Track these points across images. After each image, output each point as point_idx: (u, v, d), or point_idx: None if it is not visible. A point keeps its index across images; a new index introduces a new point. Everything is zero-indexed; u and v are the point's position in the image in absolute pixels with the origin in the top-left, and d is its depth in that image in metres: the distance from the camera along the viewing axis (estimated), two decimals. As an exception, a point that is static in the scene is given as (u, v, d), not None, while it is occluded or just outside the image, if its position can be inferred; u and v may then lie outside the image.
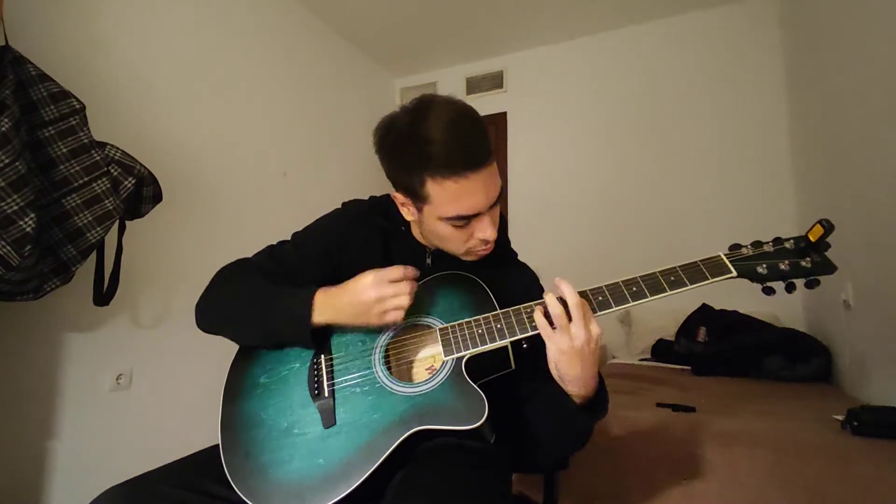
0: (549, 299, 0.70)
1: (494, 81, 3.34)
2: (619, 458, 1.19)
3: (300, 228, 0.93)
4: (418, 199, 0.77)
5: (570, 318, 0.69)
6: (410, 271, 0.76)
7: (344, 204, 0.95)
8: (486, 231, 0.78)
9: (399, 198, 0.82)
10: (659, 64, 2.94)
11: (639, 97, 2.97)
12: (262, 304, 0.78)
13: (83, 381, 1.68)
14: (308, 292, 0.77)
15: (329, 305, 0.75)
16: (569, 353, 0.68)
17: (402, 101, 3.96)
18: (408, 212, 0.83)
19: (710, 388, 1.78)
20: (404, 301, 0.74)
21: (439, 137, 0.72)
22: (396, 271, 0.75)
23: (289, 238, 0.92)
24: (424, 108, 0.75)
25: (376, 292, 0.73)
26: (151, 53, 1.96)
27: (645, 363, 2.44)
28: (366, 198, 0.96)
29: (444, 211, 0.76)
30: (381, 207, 0.92)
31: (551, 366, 0.72)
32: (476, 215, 0.77)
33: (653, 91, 2.94)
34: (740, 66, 2.73)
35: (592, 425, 0.75)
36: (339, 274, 0.87)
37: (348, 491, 0.65)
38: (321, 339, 0.79)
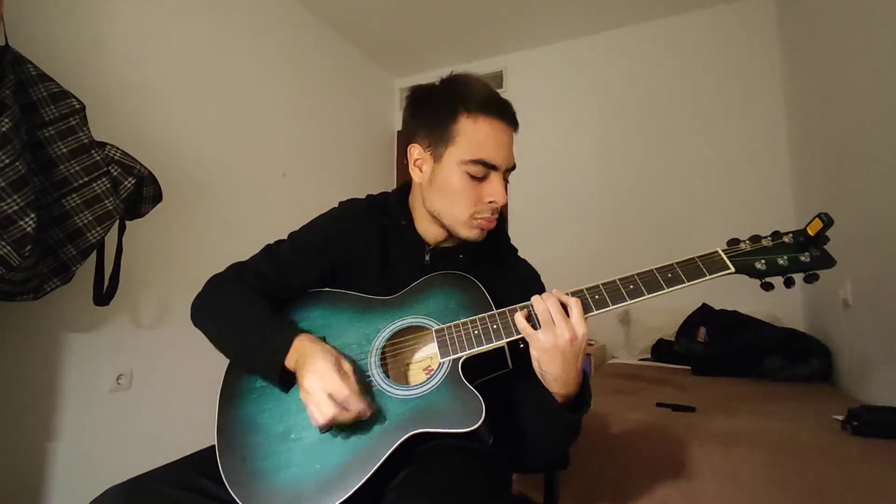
0: (535, 298, 0.72)
1: (494, 81, 3.34)
2: (619, 458, 1.19)
3: (296, 229, 0.93)
4: (442, 141, 0.79)
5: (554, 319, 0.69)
6: (358, 404, 0.67)
7: (341, 203, 0.94)
8: (496, 193, 0.79)
9: (415, 152, 0.83)
10: (658, 63, 2.94)
11: (638, 96, 2.97)
12: (240, 337, 0.78)
13: (83, 381, 1.68)
14: (286, 338, 0.74)
15: (298, 356, 0.72)
16: (551, 351, 0.68)
17: (402, 101, 3.94)
18: (419, 172, 0.84)
19: (710, 388, 1.78)
20: (319, 416, 0.66)
21: (479, 85, 0.81)
22: (342, 390, 0.67)
23: (286, 238, 0.92)
24: (459, 74, 0.84)
25: (310, 383, 0.68)
26: (151, 53, 1.96)
27: (645, 363, 2.44)
28: (362, 197, 0.96)
29: (468, 152, 0.77)
30: (380, 205, 0.92)
31: (534, 364, 0.72)
32: (493, 170, 0.79)
33: (652, 90, 2.94)
34: (739, 64, 2.73)
35: (577, 422, 0.75)
36: (337, 273, 0.88)
37: (346, 496, 0.64)
38: (290, 380, 0.75)
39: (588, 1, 2.77)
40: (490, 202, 0.80)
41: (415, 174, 0.85)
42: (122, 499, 0.65)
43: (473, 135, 0.78)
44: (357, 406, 0.67)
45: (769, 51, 2.66)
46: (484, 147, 0.78)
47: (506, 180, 0.82)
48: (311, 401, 0.67)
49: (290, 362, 0.73)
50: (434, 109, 0.81)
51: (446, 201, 0.81)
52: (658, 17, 2.91)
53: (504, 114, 0.80)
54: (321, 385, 0.67)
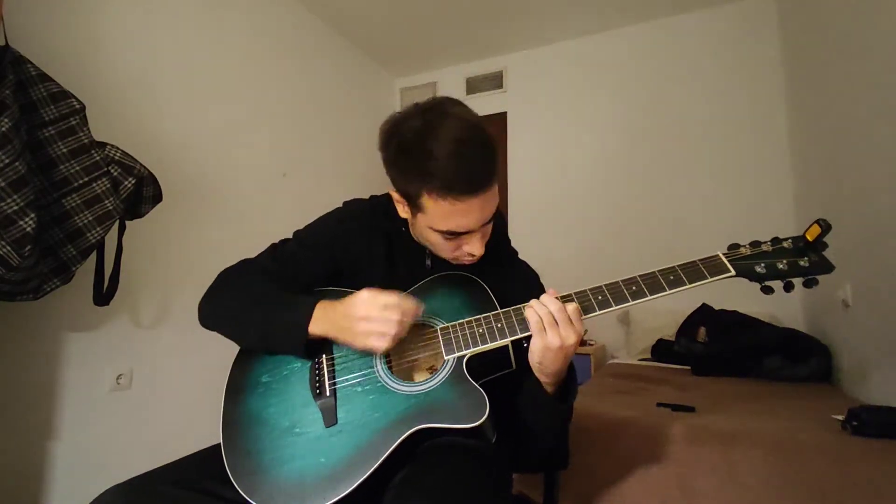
0: (536, 303, 0.72)
1: (494, 81, 3.34)
2: (619, 458, 1.19)
3: (300, 228, 0.93)
4: (413, 206, 0.78)
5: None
6: (411, 302, 0.75)
7: (345, 203, 0.95)
8: (474, 247, 0.80)
9: (395, 195, 0.83)
10: (658, 63, 2.94)
11: (638, 97, 2.98)
12: (262, 309, 0.79)
13: (83, 381, 1.68)
14: (309, 302, 0.77)
15: (326, 317, 0.75)
16: (555, 350, 0.70)
17: (402, 101, 3.93)
18: (403, 209, 0.84)
19: (710, 388, 1.78)
20: (390, 328, 0.71)
21: (444, 155, 0.70)
22: (392, 297, 0.73)
23: (290, 236, 0.92)
24: (436, 118, 0.73)
25: (364, 311, 0.72)
26: (151, 53, 1.96)
27: (645, 363, 2.44)
28: (366, 198, 0.96)
29: (436, 224, 0.77)
30: (382, 207, 0.92)
31: (534, 359, 0.73)
32: (467, 232, 0.78)
33: (652, 91, 2.94)
34: (740, 65, 2.73)
35: (568, 409, 0.78)
36: (342, 272, 0.88)
37: (349, 490, 0.65)
38: (315, 350, 0.78)
39: (588, 1, 2.77)
40: (468, 251, 0.81)
41: (400, 211, 0.85)
42: (121, 499, 0.65)
43: (439, 212, 0.74)
44: (411, 303, 0.74)
45: (770, 51, 2.66)
46: (450, 221, 0.75)
47: (489, 223, 0.80)
48: (373, 326, 0.71)
49: (316, 327, 0.75)
50: (401, 174, 0.76)
51: (428, 245, 0.84)
52: (658, 17, 2.92)
53: (471, 188, 0.71)
54: (374, 304, 0.72)
